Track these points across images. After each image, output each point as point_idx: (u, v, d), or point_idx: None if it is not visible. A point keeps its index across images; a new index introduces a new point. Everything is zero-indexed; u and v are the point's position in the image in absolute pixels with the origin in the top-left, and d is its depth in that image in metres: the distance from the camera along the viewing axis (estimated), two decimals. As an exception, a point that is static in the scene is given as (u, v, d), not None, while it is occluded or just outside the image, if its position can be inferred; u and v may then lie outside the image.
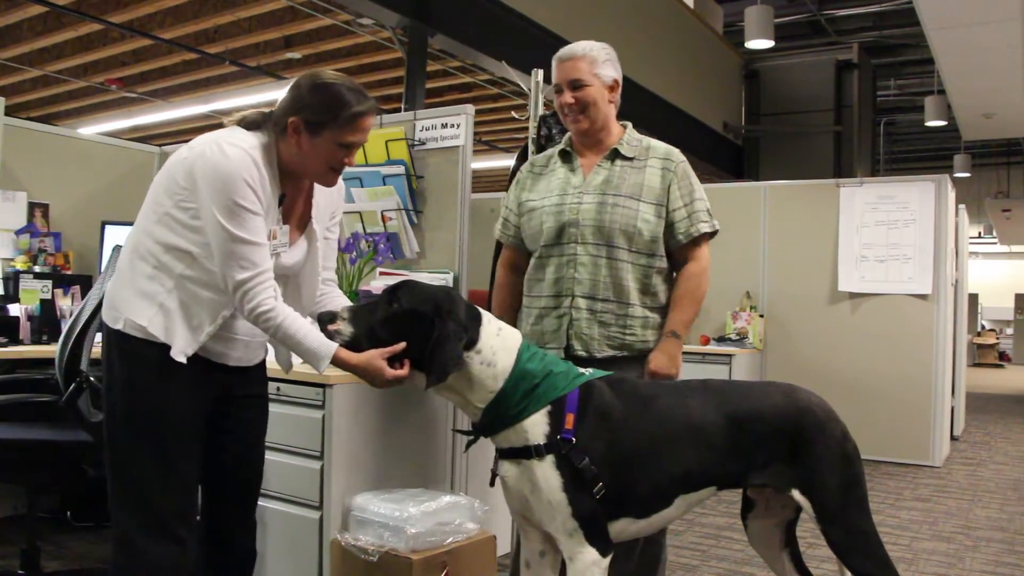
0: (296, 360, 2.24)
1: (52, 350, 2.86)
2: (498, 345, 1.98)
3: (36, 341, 3.60)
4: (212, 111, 9.03)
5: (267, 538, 2.80)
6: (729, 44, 10.36)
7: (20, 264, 3.98)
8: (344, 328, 1.97)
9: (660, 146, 2.50)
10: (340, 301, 2.23)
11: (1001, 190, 16.11)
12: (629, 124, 2.54)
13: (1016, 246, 20.29)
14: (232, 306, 1.98)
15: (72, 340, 2.59)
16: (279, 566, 2.79)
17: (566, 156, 2.53)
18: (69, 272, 4.10)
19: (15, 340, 3.53)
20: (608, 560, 1.95)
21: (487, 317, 2.02)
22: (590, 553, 1.93)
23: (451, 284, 3.31)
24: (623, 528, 2.02)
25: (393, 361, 1.95)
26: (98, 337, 2.16)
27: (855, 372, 6.10)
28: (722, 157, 10.08)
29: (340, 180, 2.17)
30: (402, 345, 1.94)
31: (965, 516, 4.65)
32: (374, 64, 8.06)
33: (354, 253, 3.32)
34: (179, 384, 1.96)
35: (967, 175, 13.94)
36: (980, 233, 18.71)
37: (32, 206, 4.17)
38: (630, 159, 2.45)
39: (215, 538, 2.15)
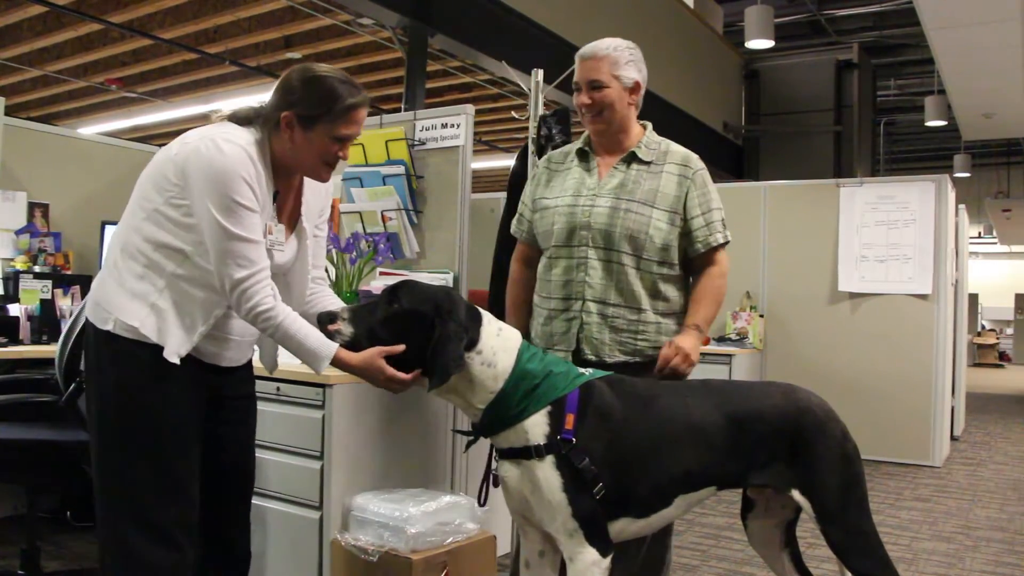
0: (282, 360, 2.22)
1: (52, 350, 2.85)
2: (498, 345, 1.97)
3: (36, 341, 3.60)
4: (212, 111, 9.01)
5: (267, 538, 2.80)
6: (729, 44, 10.36)
7: (20, 264, 3.98)
8: (344, 328, 1.95)
9: (679, 151, 2.44)
10: (332, 301, 2.21)
11: (1001, 190, 16.11)
12: (649, 125, 2.48)
13: (1016, 246, 20.29)
14: (225, 305, 1.95)
15: (72, 340, 2.58)
16: (279, 566, 2.79)
17: (583, 155, 2.48)
18: (69, 272, 4.10)
19: (15, 340, 3.53)
20: (608, 560, 1.95)
21: (487, 317, 2.02)
22: (590, 553, 1.93)
23: (451, 284, 3.31)
24: (623, 528, 2.02)
25: (396, 362, 1.94)
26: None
27: (855, 372, 6.10)
28: (722, 157, 10.07)
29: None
30: (401, 347, 1.93)
31: (965, 516, 4.65)
32: (374, 64, 8.07)
33: (354, 253, 3.32)
34: (173, 386, 1.93)
35: (967, 175, 13.94)
36: (980, 233, 18.71)
37: (32, 206, 4.17)
38: (647, 163, 2.40)
39: (214, 541, 2.11)
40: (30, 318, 3.64)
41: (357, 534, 2.58)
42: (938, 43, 7.04)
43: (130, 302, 1.91)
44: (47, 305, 3.74)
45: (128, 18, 7.09)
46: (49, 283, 3.78)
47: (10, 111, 4.56)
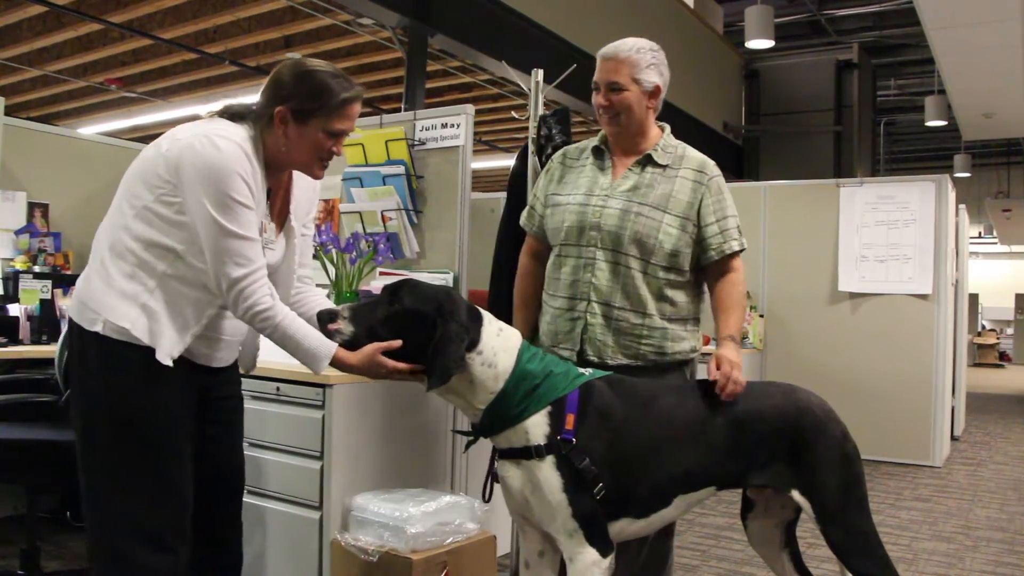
0: (281, 360, 2.20)
1: (52, 350, 2.85)
2: (499, 346, 1.97)
3: (36, 341, 3.60)
4: (209, 112, 9.01)
5: (267, 538, 2.80)
6: (729, 44, 10.36)
7: (20, 264, 3.98)
8: (345, 327, 1.94)
9: (695, 156, 2.41)
10: (320, 300, 2.19)
11: (1001, 190, 16.12)
12: (667, 128, 2.46)
13: (1016, 246, 20.29)
14: (217, 305, 1.92)
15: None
16: (279, 566, 2.79)
17: (599, 153, 2.45)
18: (69, 272, 4.10)
19: (15, 340, 3.53)
20: (608, 560, 1.95)
21: (487, 317, 2.01)
22: (590, 553, 1.93)
23: (451, 284, 3.31)
24: (622, 528, 2.02)
25: (394, 358, 1.92)
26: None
27: (855, 372, 6.10)
28: (722, 157, 10.05)
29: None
30: (398, 343, 1.92)
31: (965, 516, 4.64)
32: (374, 64, 8.06)
33: (354, 253, 3.32)
34: (166, 388, 1.89)
35: (967, 175, 13.95)
36: (980, 233, 18.71)
37: (32, 206, 4.18)
38: (662, 167, 2.37)
39: (206, 541, 2.07)
40: (30, 318, 3.64)
41: (357, 534, 2.58)
42: (938, 43, 7.03)
43: (120, 302, 1.86)
44: (47, 305, 3.74)
45: (128, 18, 7.08)
46: (49, 283, 3.78)
47: (10, 111, 4.56)
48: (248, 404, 2.84)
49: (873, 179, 7.55)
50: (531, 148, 3.20)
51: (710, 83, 9.72)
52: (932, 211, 5.98)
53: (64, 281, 3.86)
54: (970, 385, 9.26)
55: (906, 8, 9.20)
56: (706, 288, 2.44)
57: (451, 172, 3.45)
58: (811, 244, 6.32)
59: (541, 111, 3.24)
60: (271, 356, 2.26)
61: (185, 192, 1.83)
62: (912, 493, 5.18)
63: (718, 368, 2.13)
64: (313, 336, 1.93)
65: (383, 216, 3.53)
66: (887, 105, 13.39)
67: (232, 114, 1.95)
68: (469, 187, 3.43)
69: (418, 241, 3.53)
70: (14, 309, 3.65)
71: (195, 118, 2.02)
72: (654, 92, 2.37)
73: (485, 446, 2.12)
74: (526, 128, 3.25)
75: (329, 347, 1.92)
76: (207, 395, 2.04)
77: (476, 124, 3.61)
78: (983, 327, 19.40)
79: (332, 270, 3.31)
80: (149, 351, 1.86)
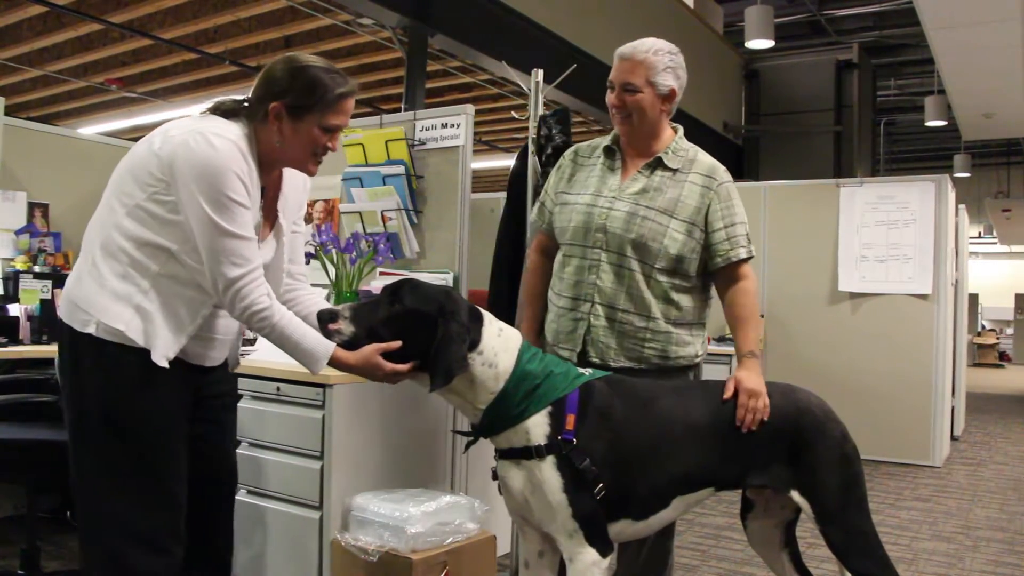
0: (280, 360, 2.20)
1: (52, 350, 2.84)
2: (499, 346, 1.97)
3: (36, 341, 3.60)
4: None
5: (267, 538, 2.81)
6: (729, 44, 10.36)
7: (20, 264, 3.98)
8: (345, 328, 1.93)
9: (705, 161, 2.39)
10: (318, 300, 2.18)
11: (1001, 190, 16.12)
12: (680, 130, 2.44)
13: (1016, 246, 20.29)
14: (211, 304, 1.91)
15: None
16: (279, 566, 2.79)
17: (610, 153, 2.44)
18: (69, 272, 4.09)
19: (15, 340, 3.53)
20: (608, 560, 1.95)
21: (488, 317, 2.01)
22: (590, 554, 1.93)
23: (451, 284, 3.31)
24: (622, 529, 2.02)
25: (393, 359, 1.92)
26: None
27: (855, 372, 6.09)
28: (722, 157, 9.90)
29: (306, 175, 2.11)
30: (398, 344, 1.91)
31: (965, 516, 4.64)
32: (374, 64, 8.06)
33: (354, 253, 3.32)
34: (160, 390, 1.87)
35: (967, 175, 13.94)
36: (980, 233, 18.71)
37: (32, 206, 4.18)
38: (672, 170, 2.35)
39: (197, 540, 2.03)
40: (30, 318, 3.64)
41: (357, 534, 2.57)
42: (938, 43, 7.03)
43: (113, 303, 1.84)
44: (47, 305, 3.73)
45: (128, 18, 7.08)
46: (49, 283, 3.78)
47: (10, 111, 4.56)
48: (248, 404, 2.86)
49: (873, 179, 7.54)
50: (531, 148, 3.19)
51: (710, 83, 9.72)
52: (932, 211, 5.98)
53: (64, 281, 3.86)
54: (970, 385, 9.26)
55: (906, 8, 9.20)
56: (712, 294, 2.43)
57: (451, 172, 3.45)
58: (811, 244, 6.32)
59: (541, 111, 3.24)
60: (271, 356, 2.27)
61: (180, 191, 1.81)
62: (912, 493, 5.18)
63: (735, 394, 2.09)
64: (311, 336, 1.91)
65: (383, 216, 3.53)
66: (887, 105, 13.40)
67: (225, 111, 1.93)
68: (469, 187, 3.43)
69: (418, 241, 3.53)
70: (14, 309, 3.64)
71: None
72: (669, 96, 2.35)
73: (485, 446, 2.12)
74: (526, 128, 3.25)
75: (327, 347, 1.91)
76: (199, 394, 2.03)
77: (476, 124, 3.61)
78: (983, 327, 19.39)
79: (332, 270, 3.31)
80: (144, 353, 1.84)
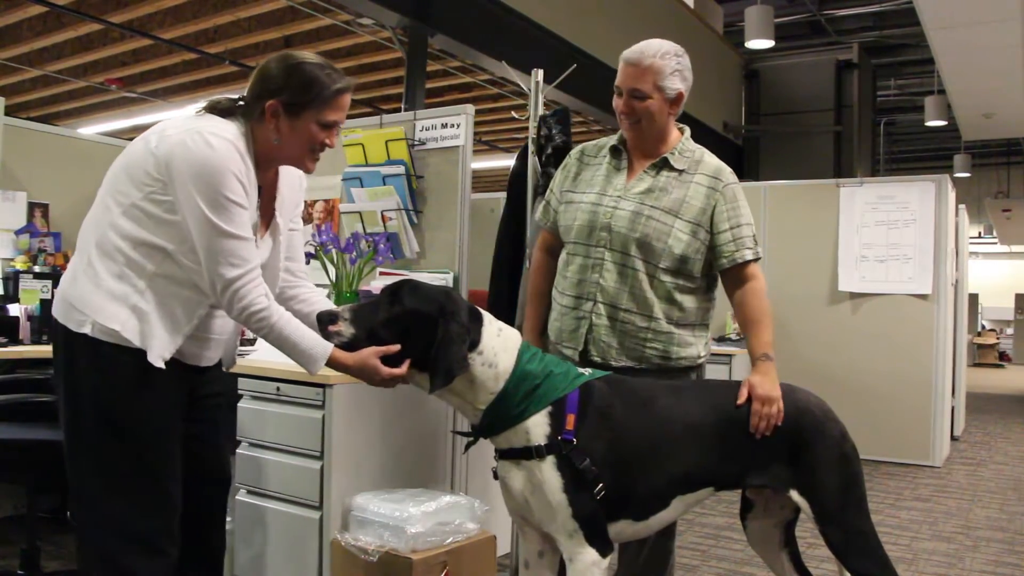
0: (280, 360, 2.19)
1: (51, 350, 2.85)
2: (499, 346, 1.97)
3: (36, 341, 3.60)
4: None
5: (267, 538, 2.81)
6: (729, 44, 10.36)
7: (20, 264, 3.98)
8: (345, 329, 1.93)
9: (711, 162, 2.39)
10: (321, 300, 2.17)
11: (1001, 190, 16.12)
12: (687, 131, 2.44)
13: (1016, 246, 20.29)
14: (208, 304, 1.90)
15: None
16: (279, 566, 2.79)
17: (616, 152, 2.43)
18: (69, 272, 4.09)
19: (15, 340, 3.53)
20: (607, 560, 1.95)
21: (487, 318, 2.01)
22: (590, 554, 1.93)
23: (451, 284, 3.32)
24: (622, 529, 2.02)
25: (391, 361, 1.91)
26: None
27: (855, 372, 6.10)
28: (722, 157, 9.96)
29: (302, 173, 2.10)
30: (397, 347, 1.91)
31: (965, 516, 4.65)
32: (374, 64, 8.06)
33: (354, 253, 3.32)
34: (156, 390, 1.86)
35: (967, 175, 13.95)
36: (980, 233, 18.71)
37: (32, 206, 4.18)
38: (678, 171, 2.35)
39: (191, 539, 2.03)
40: (30, 318, 3.64)
41: (357, 534, 2.57)
42: (938, 43, 7.04)
43: (109, 304, 1.82)
44: (47, 305, 3.73)
45: (128, 18, 7.08)
46: (49, 283, 3.78)
47: (10, 111, 4.56)
48: (248, 404, 2.86)
49: (873, 179, 7.54)
50: (531, 148, 3.19)
51: (710, 83, 9.72)
52: (932, 211, 5.98)
53: (64, 281, 3.86)
54: (970, 385, 9.26)
55: (906, 8, 9.20)
56: (716, 296, 2.43)
57: (451, 172, 3.45)
58: (811, 244, 6.32)
59: (541, 111, 3.24)
60: (271, 356, 2.26)
61: (177, 191, 1.80)
62: (912, 493, 5.18)
63: (749, 399, 2.08)
64: (309, 337, 1.91)
65: (383, 216, 3.53)
66: (887, 105, 13.39)
67: (221, 109, 1.92)
68: (469, 187, 3.43)
69: (418, 241, 3.53)
70: (14, 309, 3.64)
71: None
72: (677, 99, 2.34)
73: (485, 446, 2.12)
74: (526, 128, 3.25)
75: (325, 348, 1.91)
76: (193, 394, 2.02)
77: (476, 124, 3.61)
78: (983, 327, 19.39)
79: (332, 270, 3.32)
80: (140, 353, 1.83)
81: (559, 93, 5.86)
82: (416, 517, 2.49)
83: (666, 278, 2.31)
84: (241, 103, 1.93)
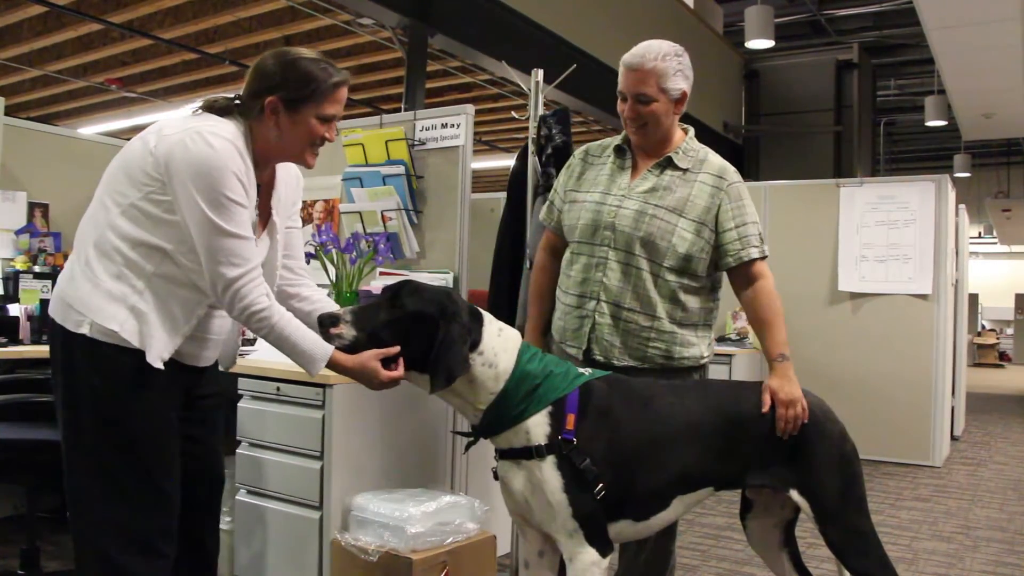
0: (279, 360, 2.19)
1: (52, 350, 2.85)
2: (499, 346, 1.97)
3: (36, 341, 3.60)
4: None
5: (267, 538, 2.81)
6: (729, 44, 10.36)
7: (20, 264, 3.98)
8: (346, 331, 1.91)
9: (716, 161, 2.39)
10: (324, 300, 2.17)
11: (1001, 190, 16.11)
12: (691, 131, 2.44)
13: (1016, 246, 20.30)
14: (206, 304, 1.90)
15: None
16: (279, 566, 2.79)
17: (620, 152, 2.43)
18: (69, 272, 4.09)
19: (15, 340, 3.53)
20: (607, 560, 1.95)
21: (488, 318, 2.01)
22: (590, 553, 1.93)
23: (451, 284, 3.32)
24: (622, 530, 2.02)
25: (388, 362, 1.91)
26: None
27: (855, 372, 6.09)
28: (722, 157, 10.07)
29: (298, 171, 2.10)
30: (396, 348, 1.91)
31: (965, 516, 4.65)
32: (374, 64, 8.06)
33: (354, 253, 3.32)
34: (155, 392, 1.86)
35: (967, 175, 13.95)
36: (980, 233, 18.72)
37: (32, 206, 4.17)
38: (682, 170, 2.35)
39: (186, 539, 2.03)
40: (30, 318, 3.64)
41: (357, 534, 2.58)
42: (938, 43, 7.04)
43: (107, 304, 1.82)
44: (47, 305, 3.73)
45: (128, 18, 7.08)
46: (49, 283, 3.78)
47: (10, 111, 4.56)
48: (248, 404, 2.86)
49: (873, 179, 7.55)
50: (531, 148, 3.20)
51: (710, 83, 9.71)
52: (932, 211, 5.98)
53: (64, 281, 3.86)
54: (970, 385, 9.26)
55: (906, 8, 9.20)
56: (720, 296, 2.43)
57: (451, 172, 3.45)
58: (811, 244, 6.32)
59: (541, 111, 3.24)
60: (271, 356, 2.26)
61: (176, 190, 1.79)
62: (912, 493, 5.18)
63: (773, 404, 2.08)
64: (310, 338, 1.91)
65: (383, 216, 3.53)
66: (887, 105, 13.40)
67: (219, 108, 1.91)
68: (469, 187, 3.43)
69: (418, 241, 3.53)
70: (14, 309, 3.64)
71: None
72: (681, 99, 2.34)
73: (485, 446, 2.12)
74: (526, 128, 3.25)
75: (325, 349, 1.90)
76: (190, 394, 2.02)
77: (476, 124, 3.61)
78: (983, 327, 19.39)
79: (332, 270, 3.32)
80: (139, 354, 1.83)
81: (559, 93, 5.87)
82: (416, 517, 2.49)
83: (670, 277, 2.30)
84: (238, 101, 1.93)
